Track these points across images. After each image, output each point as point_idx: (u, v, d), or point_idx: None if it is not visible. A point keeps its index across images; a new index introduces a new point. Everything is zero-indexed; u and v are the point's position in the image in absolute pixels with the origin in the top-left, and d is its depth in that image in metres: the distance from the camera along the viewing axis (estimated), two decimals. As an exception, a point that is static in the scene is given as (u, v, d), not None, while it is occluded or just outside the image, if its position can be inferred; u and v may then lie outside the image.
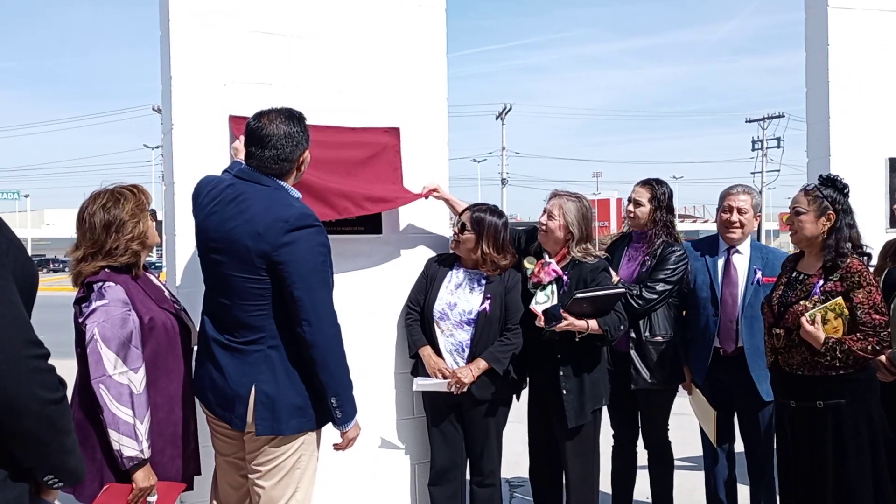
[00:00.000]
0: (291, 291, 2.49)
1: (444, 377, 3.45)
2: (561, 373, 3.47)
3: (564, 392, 3.46)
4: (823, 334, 2.99)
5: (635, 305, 3.68)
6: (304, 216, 2.54)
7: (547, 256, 3.57)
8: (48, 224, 66.61)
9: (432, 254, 3.80)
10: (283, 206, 2.55)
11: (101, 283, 2.57)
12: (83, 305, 2.58)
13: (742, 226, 3.80)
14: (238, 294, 2.56)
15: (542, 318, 3.36)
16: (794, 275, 3.23)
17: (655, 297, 3.70)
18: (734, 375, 3.76)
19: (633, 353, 3.76)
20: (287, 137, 2.60)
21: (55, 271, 47.29)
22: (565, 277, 3.49)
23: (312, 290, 2.50)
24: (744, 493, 4.03)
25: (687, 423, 4.09)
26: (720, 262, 3.85)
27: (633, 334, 3.75)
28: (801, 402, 3.12)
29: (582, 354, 3.50)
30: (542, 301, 3.45)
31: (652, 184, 3.91)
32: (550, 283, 3.46)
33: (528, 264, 3.65)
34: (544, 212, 3.61)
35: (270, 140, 2.58)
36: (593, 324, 3.37)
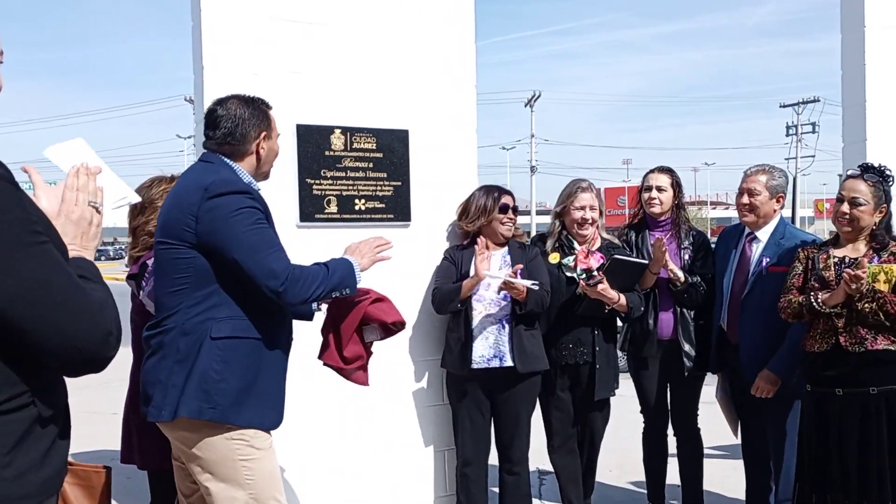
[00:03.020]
0: (232, 258, 2.34)
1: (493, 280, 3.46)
2: (596, 348, 3.65)
3: (598, 367, 3.66)
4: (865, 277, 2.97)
5: (698, 297, 3.81)
6: (227, 182, 2.41)
7: (578, 247, 3.69)
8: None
9: (458, 242, 3.80)
10: (208, 174, 2.44)
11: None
12: (141, 281, 2.73)
13: (754, 208, 3.62)
14: (162, 267, 2.46)
15: (583, 282, 3.52)
16: (835, 260, 3.18)
17: (704, 286, 3.83)
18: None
19: (682, 337, 3.83)
20: (237, 118, 2.52)
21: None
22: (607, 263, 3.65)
23: (254, 249, 2.34)
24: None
25: (720, 412, 4.05)
26: (738, 251, 3.73)
27: (682, 322, 3.84)
28: (850, 388, 3.08)
29: (609, 334, 3.75)
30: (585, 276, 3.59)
31: (670, 170, 3.99)
32: (598, 269, 3.61)
33: (561, 258, 3.70)
34: (582, 208, 3.71)
35: (221, 120, 2.53)
36: (623, 300, 3.55)
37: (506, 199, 3.62)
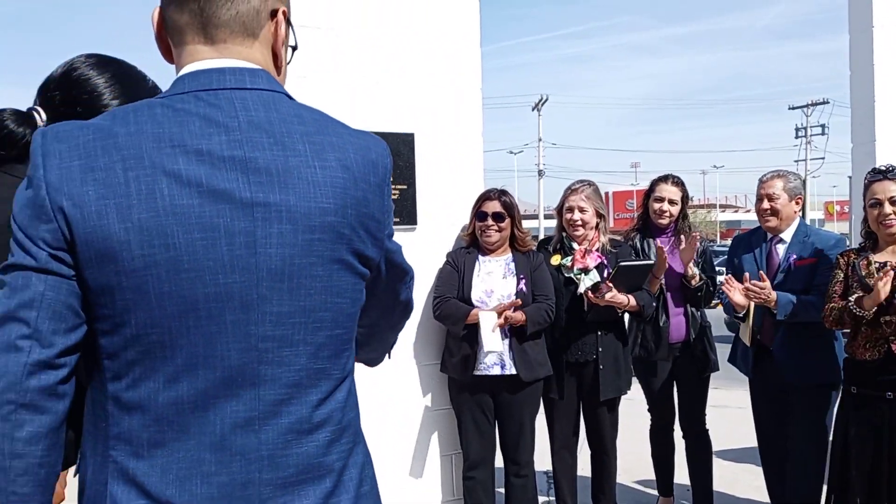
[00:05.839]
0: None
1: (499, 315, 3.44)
2: (600, 349, 3.62)
3: (602, 367, 3.62)
4: None
5: (709, 296, 3.95)
6: None
7: (577, 247, 3.67)
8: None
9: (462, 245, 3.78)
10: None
11: None
12: None
13: (775, 212, 3.65)
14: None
15: (590, 293, 3.52)
16: (877, 266, 3.15)
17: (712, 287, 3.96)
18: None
19: (693, 339, 3.92)
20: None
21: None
22: (605, 262, 3.66)
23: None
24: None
25: (728, 415, 4.05)
26: (764, 253, 3.74)
27: (693, 323, 3.93)
28: None
29: (617, 335, 3.69)
30: (591, 285, 3.59)
31: (681, 182, 4.06)
32: (595, 267, 3.62)
33: (562, 260, 3.69)
34: (570, 210, 3.70)
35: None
36: (632, 300, 3.57)
37: (486, 206, 3.58)
